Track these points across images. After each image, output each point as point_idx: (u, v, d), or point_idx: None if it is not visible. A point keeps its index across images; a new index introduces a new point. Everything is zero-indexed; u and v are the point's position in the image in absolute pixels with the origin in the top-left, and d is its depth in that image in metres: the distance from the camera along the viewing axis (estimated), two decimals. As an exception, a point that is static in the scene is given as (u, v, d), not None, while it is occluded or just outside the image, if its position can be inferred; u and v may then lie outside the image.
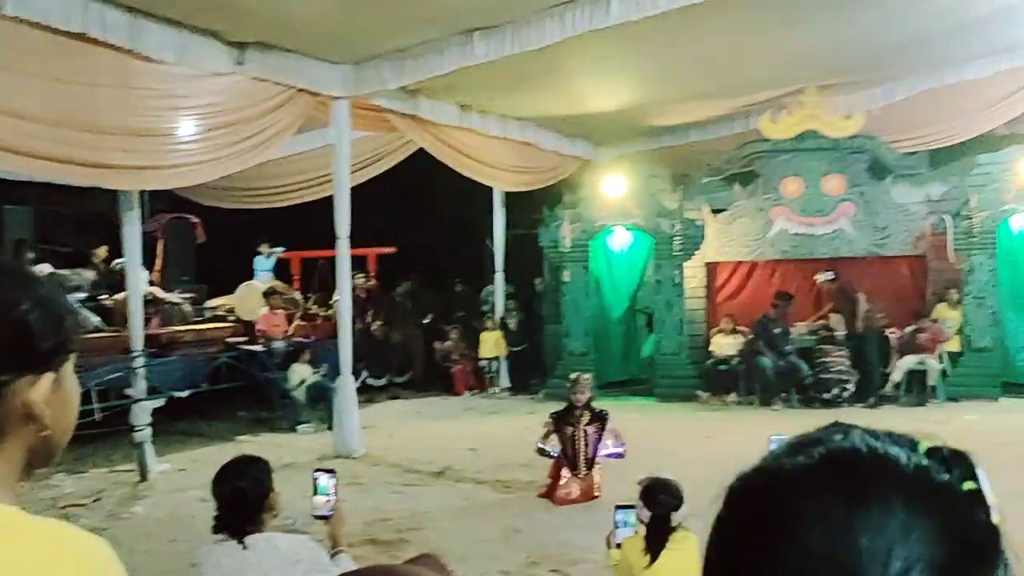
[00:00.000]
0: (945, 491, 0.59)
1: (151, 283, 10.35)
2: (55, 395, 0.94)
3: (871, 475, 0.60)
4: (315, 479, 3.04)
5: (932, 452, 0.62)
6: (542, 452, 6.53)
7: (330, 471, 3.07)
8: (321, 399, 9.92)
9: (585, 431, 6.45)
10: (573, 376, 6.82)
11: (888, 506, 0.58)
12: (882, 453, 0.62)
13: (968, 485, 0.60)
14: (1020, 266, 11.02)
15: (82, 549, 0.90)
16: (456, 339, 12.77)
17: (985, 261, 10.67)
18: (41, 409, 0.92)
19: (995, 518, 0.60)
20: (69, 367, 0.97)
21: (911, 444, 0.63)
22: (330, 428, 9.02)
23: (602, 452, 6.42)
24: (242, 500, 2.76)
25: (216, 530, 2.77)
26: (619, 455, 6.46)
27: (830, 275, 11.06)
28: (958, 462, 0.62)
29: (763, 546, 0.59)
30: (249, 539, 2.71)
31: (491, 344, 12.51)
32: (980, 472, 0.61)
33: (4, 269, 0.94)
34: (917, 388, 10.53)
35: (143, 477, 7.42)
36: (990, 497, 0.60)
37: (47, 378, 0.93)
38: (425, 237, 14.82)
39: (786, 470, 0.62)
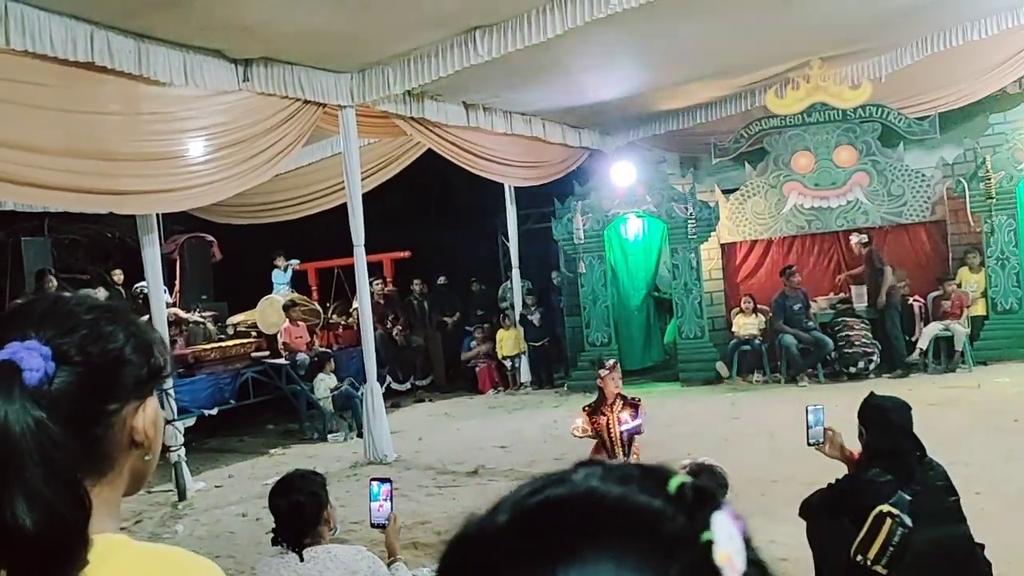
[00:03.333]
0: (672, 542, 0.50)
1: (171, 304, 10.43)
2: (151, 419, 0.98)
3: (577, 527, 0.51)
4: (370, 488, 3.06)
5: (678, 493, 0.53)
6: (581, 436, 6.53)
7: (385, 480, 3.09)
8: (347, 407, 9.98)
9: (619, 418, 6.44)
10: (601, 361, 6.80)
11: (594, 560, 0.49)
12: (599, 498, 0.52)
13: (706, 536, 0.50)
14: (1040, 224, 10.92)
15: (194, 573, 0.93)
16: (480, 339, 12.81)
17: (1005, 222, 10.58)
18: (145, 434, 0.96)
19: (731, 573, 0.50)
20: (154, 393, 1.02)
21: (657, 482, 0.54)
22: (359, 435, 9.07)
23: (622, 427, 6.39)
24: (300, 513, 2.80)
25: (275, 543, 2.80)
26: (636, 430, 6.41)
27: (864, 237, 10.91)
28: (702, 506, 0.52)
29: None
30: (308, 551, 2.74)
31: (510, 342, 12.53)
32: (721, 518, 0.51)
33: (96, 306, 0.97)
34: (945, 355, 10.47)
35: (181, 496, 7.47)
36: (728, 548, 0.51)
37: (150, 403, 0.97)
38: (439, 238, 14.84)
39: (487, 534, 0.53)
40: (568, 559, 0.49)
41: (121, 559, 0.88)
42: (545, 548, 0.50)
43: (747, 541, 0.52)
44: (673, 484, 0.53)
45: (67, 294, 1.03)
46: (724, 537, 0.50)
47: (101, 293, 9.44)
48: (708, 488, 0.53)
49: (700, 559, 0.50)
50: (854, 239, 10.97)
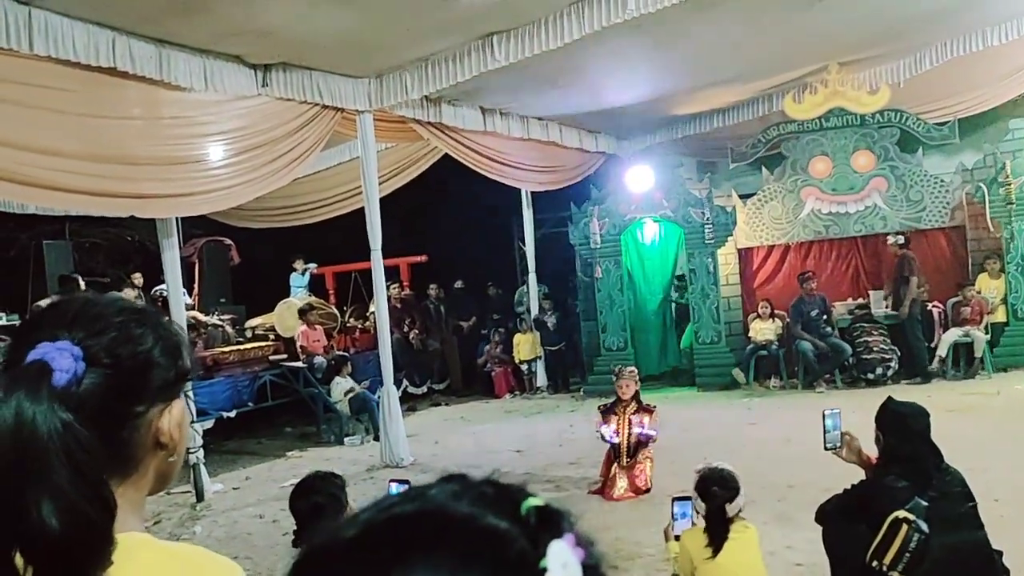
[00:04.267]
0: (513, 565, 0.50)
1: (191, 307, 10.52)
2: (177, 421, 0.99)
3: (417, 543, 0.50)
4: (389, 489, 3.08)
5: (527, 515, 0.52)
6: (602, 438, 6.57)
7: (404, 481, 3.11)
8: (364, 410, 10.02)
9: (630, 420, 6.46)
10: (616, 369, 6.82)
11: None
12: (446, 516, 0.52)
13: (543, 563, 0.50)
14: (1061, 230, 10.81)
15: (214, 573, 0.95)
16: (496, 342, 12.84)
17: (1025, 228, 10.50)
18: (171, 436, 0.97)
19: None
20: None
21: (510, 503, 0.53)
22: (375, 439, 9.11)
23: (635, 429, 6.43)
24: (320, 515, 2.81)
25: (296, 545, 2.82)
26: (648, 436, 6.44)
27: (900, 239, 10.81)
28: (544, 531, 0.52)
29: None
30: None
31: (527, 347, 12.54)
32: (558, 547, 0.51)
33: (125, 308, 0.98)
34: (964, 361, 10.38)
35: (199, 498, 7.52)
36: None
37: (177, 405, 0.98)
38: (455, 243, 14.89)
39: (332, 547, 0.53)
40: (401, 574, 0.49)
41: (145, 558, 0.90)
42: (380, 562, 0.49)
43: (592, 568, 0.52)
44: (524, 507, 0.53)
45: (97, 296, 1.04)
46: (557, 565, 0.50)
47: (129, 294, 9.53)
48: (556, 513, 0.53)
49: None
50: (890, 239, 10.85)
